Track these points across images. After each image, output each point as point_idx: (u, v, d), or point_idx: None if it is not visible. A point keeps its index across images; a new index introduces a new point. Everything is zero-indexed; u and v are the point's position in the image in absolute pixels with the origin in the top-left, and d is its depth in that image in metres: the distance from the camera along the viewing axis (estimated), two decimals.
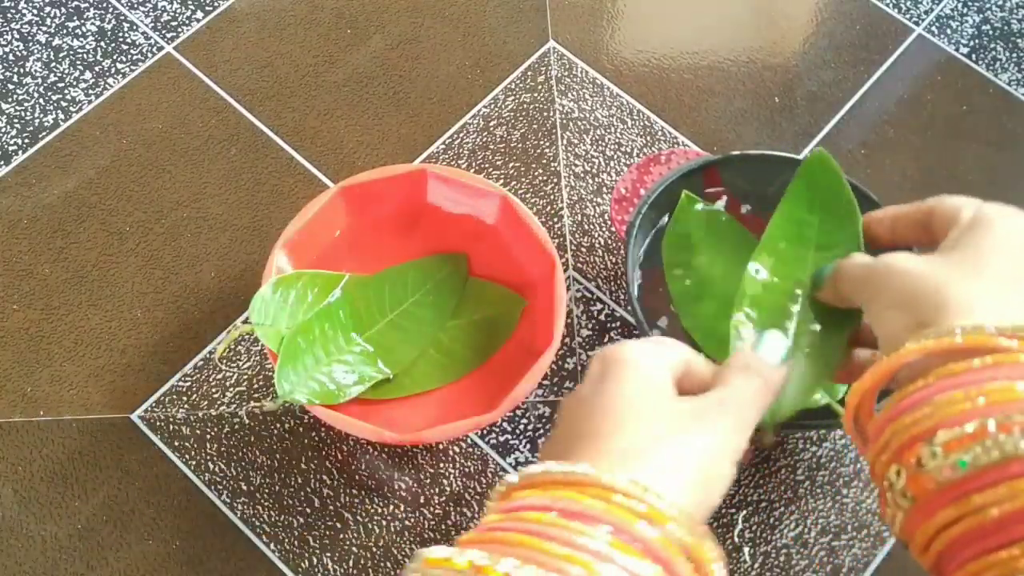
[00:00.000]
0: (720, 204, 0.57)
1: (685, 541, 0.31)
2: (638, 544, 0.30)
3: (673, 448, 0.34)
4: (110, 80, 0.68)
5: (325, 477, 0.55)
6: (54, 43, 0.69)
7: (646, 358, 0.37)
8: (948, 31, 0.72)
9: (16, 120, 0.66)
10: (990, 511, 0.30)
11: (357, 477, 0.55)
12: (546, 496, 0.32)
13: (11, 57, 0.69)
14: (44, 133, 0.65)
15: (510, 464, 0.55)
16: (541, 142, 0.66)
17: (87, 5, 0.71)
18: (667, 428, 0.35)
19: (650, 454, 0.34)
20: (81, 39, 0.69)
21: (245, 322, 0.53)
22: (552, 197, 0.64)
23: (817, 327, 0.46)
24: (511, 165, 0.65)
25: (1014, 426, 0.30)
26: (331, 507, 0.54)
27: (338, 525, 0.53)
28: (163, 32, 0.70)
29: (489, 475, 0.55)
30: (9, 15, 0.70)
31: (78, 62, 0.68)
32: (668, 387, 0.37)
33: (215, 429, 0.56)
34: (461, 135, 0.66)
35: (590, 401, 0.37)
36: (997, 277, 0.36)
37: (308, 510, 0.54)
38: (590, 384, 0.38)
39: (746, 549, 0.53)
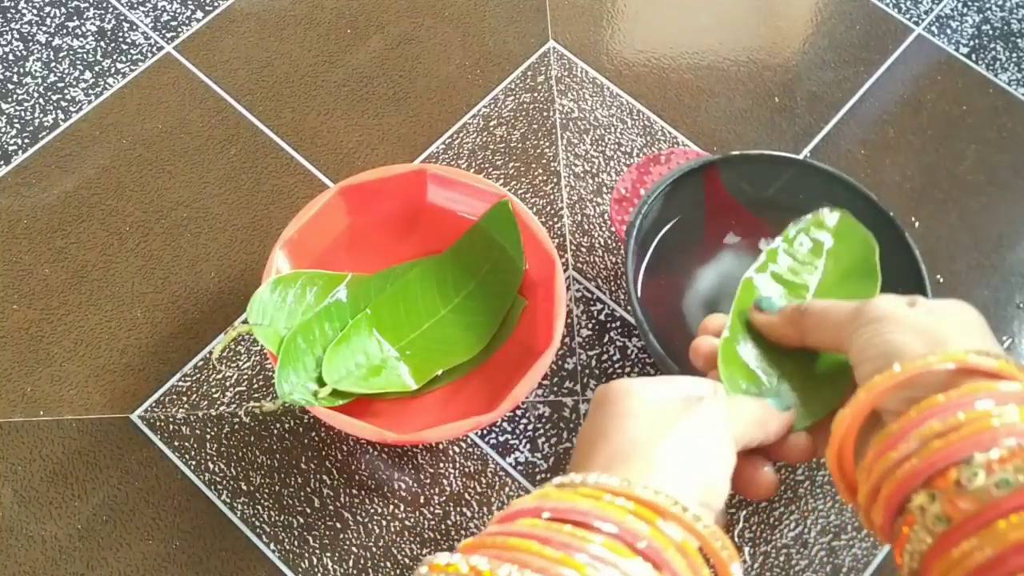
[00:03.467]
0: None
1: (676, 539, 0.31)
2: (630, 537, 0.30)
3: (664, 440, 0.34)
4: (110, 80, 0.68)
5: (325, 477, 0.55)
6: (54, 43, 0.69)
7: (650, 389, 0.37)
8: (948, 31, 0.72)
9: (16, 120, 0.66)
10: (1010, 535, 0.29)
11: (357, 477, 0.55)
12: (537, 499, 0.32)
13: (11, 57, 0.69)
14: (44, 133, 0.65)
15: (510, 464, 0.55)
16: (541, 142, 0.66)
17: (87, 5, 0.71)
18: (657, 423, 0.35)
19: (641, 451, 0.34)
20: (81, 39, 0.69)
21: (244, 322, 0.53)
22: (552, 197, 0.64)
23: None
24: (511, 165, 0.65)
25: None
26: (331, 507, 0.54)
27: (338, 525, 0.53)
28: (163, 32, 0.70)
29: (489, 475, 0.55)
30: (9, 15, 0.70)
31: (78, 62, 0.68)
32: (665, 399, 0.37)
33: (215, 429, 0.56)
34: (461, 135, 0.66)
35: (585, 430, 0.37)
36: (981, 336, 0.37)
37: (308, 510, 0.54)
38: (587, 417, 0.38)
39: (746, 549, 0.53)
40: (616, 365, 0.58)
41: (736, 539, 0.54)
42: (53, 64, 0.68)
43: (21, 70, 0.68)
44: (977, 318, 0.38)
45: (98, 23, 0.70)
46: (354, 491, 0.54)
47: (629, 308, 0.60)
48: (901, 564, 0.33)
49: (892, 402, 0.35)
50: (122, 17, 0.71)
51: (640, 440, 0.34)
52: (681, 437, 0.35)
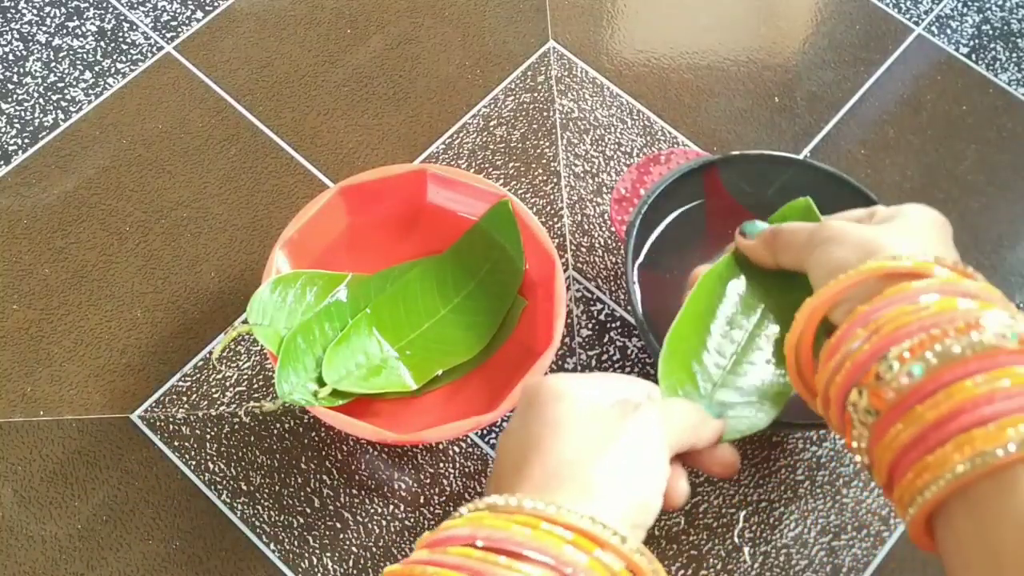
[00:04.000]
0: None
1: (614, 569, 0.31)
2: (567, 569, 0.30)
3: (600, 458, 0.34)
4: (110, 80, 0.68)
5: (325, 477, 0.55)
6: (54, 43, 0.69)
7: (584, 395, 0.37)
8: (948, 31, 0.72)
9: (16, 120, 0.66)
10: (927, 415, 0.32)
11: (357, 477, 0.55)
12: (469, 524, 0.32)
13: (11, 57, 0.69)
14: (44, 133, 0.65)
15: None
16: (541, 142, 0.66)
17: (87, 5, 0.71)
18: (592, 436, 0.35)
19: (576, 471, 0.33)
20: (81, 39, 0.69)
21: (244, 322, 0.53)
22: (552, 197, 0.64)
23: (776, 329, 0.46)
24: (511, 165, 0.65)
25: (947, 335, 0.33)
26: (331, 507, 0.54)
27: (338, 525, 0.53)
28: (163, 32, 0.70)
29: (489, 475, 0.55)
30: (9, 15, 0.70)
31: (78, 62, 0.68)
32: (600, 408, 0.36)
33: (215, 429, 0.56)
34: (461, 135, 0.66)
35: (516, 433, 0.36)
36: (926, 237, 0.40)
37: (308, 510, 0.54)
38: (516, 417, 0.37)
39: (746, 549, 0.53)
40: (616, 365, 0.58)
41: (736, 539, 0.54)
42: (53, 64, 0.68)
43: (21, 70, 0.68)
44: (929, 220, 0.42)
45: (98, 23, 0.70)
46: (354, 491, 0.54)
47: (629, 308, 0.60)
48: (855, 452, 0.36)
49: (838, 314, 0.38)
50: (122, 17, 0.71)
51: (576, 459, 0.34)
52: (617, 454, 0.34)
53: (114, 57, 0.69)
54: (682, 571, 0.53)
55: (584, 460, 0.34)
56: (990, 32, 0.72)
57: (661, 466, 0.35)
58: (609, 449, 0.34)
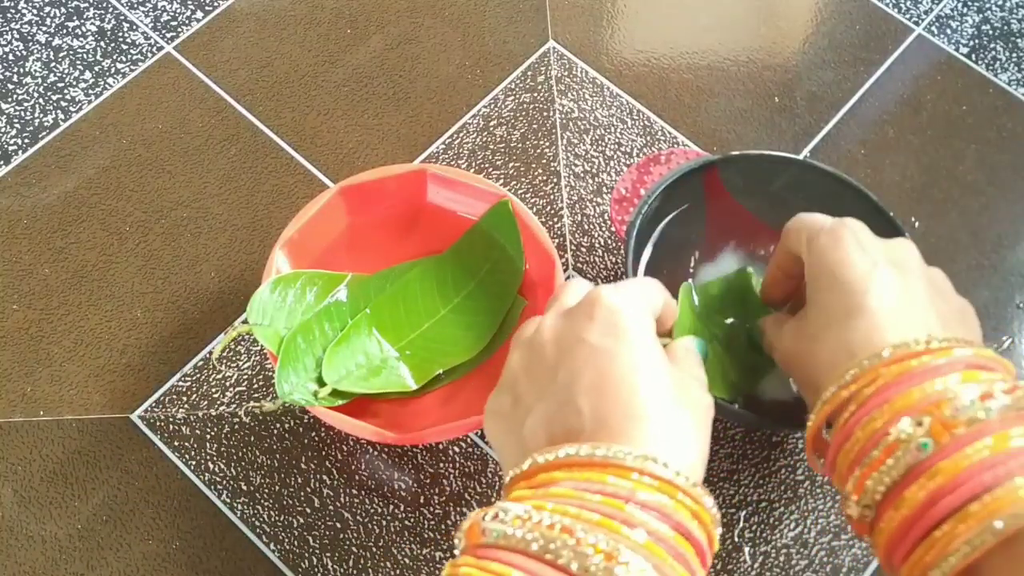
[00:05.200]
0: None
1: (693, 508, 0.33)
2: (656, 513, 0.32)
3: (673, 412, 0.36)
4: (110, 80, 0.68)
5: (325, 477, 0.55)
6: (54, 43, 0.69)
7: (638, 312, 0.38)
8: (948, 31, 0.72)
9: (16, 120, 0.66)
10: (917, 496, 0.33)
11: (357, 477, 0.55)
12: (574, 478, 0.34)
13: (11, 57, 0.69)
14: (44, 133, 0.65)
15: None
16: (541, 142, 0.66)
17: (87, 5, 0.71)
18: (666, 392, 0.36)
19: (657, 422, 0.35)
20: (81, 39, 0.69)
21: (244, 322, 0.53)
22: (552, 197, 0.64)
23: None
24: (511, 165, 0.65)
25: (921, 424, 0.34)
26: (331, 507, 0.54)
27: (338, 525, 0.53)
28: (163, 32, 0.70)
29: (489, 475, 0.55)
30: (9, 15, 0.70)
31: (78, 62, 0.68)
32: (656, 342, 0.38)
33: (215, 429, 0.56)
34: (461, 135, 0.66)
35: (602, 358, 0.37)
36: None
37: (308, 510, 0.54)
38: (598, 331, 0.37)
39: (746, 549, 0.53)
40: None
41: (736, 539, 0.54)
42: (53, 64, 0.68)
43: (21, 70, 0.68)
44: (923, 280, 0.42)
45: (98, 23, 0.70)
46: (354, 491, 0.54)
47: None
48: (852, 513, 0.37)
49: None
50: (122, 17, 0.71)
51: (654, 412, 0.36)
52: (687, 414, 0.37)
53: (114, 57, 0.69)
54: None
55: (657, 417, 0.36)
56: (990, 32, 0.72)
57: (710, 404, 0.39)
58: (682, 415, 0.37)
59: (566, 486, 0.33)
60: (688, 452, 0.35)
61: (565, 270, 0.61)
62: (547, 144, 0.66)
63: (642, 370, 0.36)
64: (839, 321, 0.40)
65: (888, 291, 0.39)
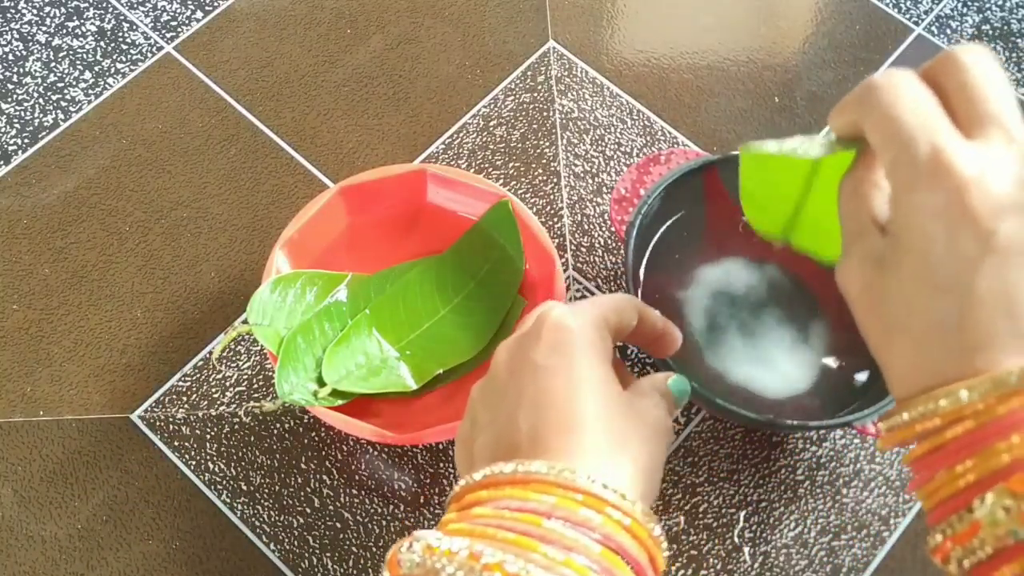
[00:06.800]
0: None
1: (625, 523, 0.32)
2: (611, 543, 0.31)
3: (611, 425, 0.34)
4: (110, 80, 0.68)
5: (325, 477, 0.55)
6: (54, 43, 0.69)
7: (588, 329, 0.37)
8: (948, 31, 0.72)
9: (16, 120, 0.66)
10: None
11: (357, 477, 0.55)
12: (495, 497, 0.32)
13: (11, 57, 0.69)
14: (44, 133, 0.65)
15: None
16: (541, 142, 0.66)
17: (87, 5, 0.71)
18: (605, 408, 0.35)
19: (592, 435, 0.34)
20: (81, 39, 0.70)
21: (244, 322, 0.53)
22: (552, 197, 0.64)
23: None
24: (511, 165, 0.65)
25: None
26: (331, 507, 0.54)
27: (338, 525, 0.53)
28: (163, 32, 0.70)
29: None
30: (9, 15, 0.70)
31: (78, 62, 0.68)
32: (605, 359, 0.37)
33: (215, 429, 0.56)
34: (461, 135, 0.66)
35: (543, 375, 0.35)
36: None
37: (308, 510, 0.54)
38: (543, 350, 0.36)
39: (746, 549, 0.53)
40: None
41: (736, 539, 0.54)
42: (53, 64, 0.68)
43: (21, 70, 0.68)
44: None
45: (98, 23, 0.70)
46: (354, 491, 0.54)
47: None
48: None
49: None
50: (122, 17, 0.71)
51: (602, 438, 0.34)
52: (635, 443, 0.35)
53: (114, 57, 0.69)
54: (682, 571, 0.53)
55: (607, 444, 0.35)
56: (990, 32, 0.72)
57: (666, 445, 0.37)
58: (633, 447, 0.35)
59: (489, 506, 0.32)
60: (624, 467, 0.33)
61: (565, 270, 0.61)
62: (547, 144, 0.66)
63: (583, 386, 0.35)
64: (947, 331, 0.31)
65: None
